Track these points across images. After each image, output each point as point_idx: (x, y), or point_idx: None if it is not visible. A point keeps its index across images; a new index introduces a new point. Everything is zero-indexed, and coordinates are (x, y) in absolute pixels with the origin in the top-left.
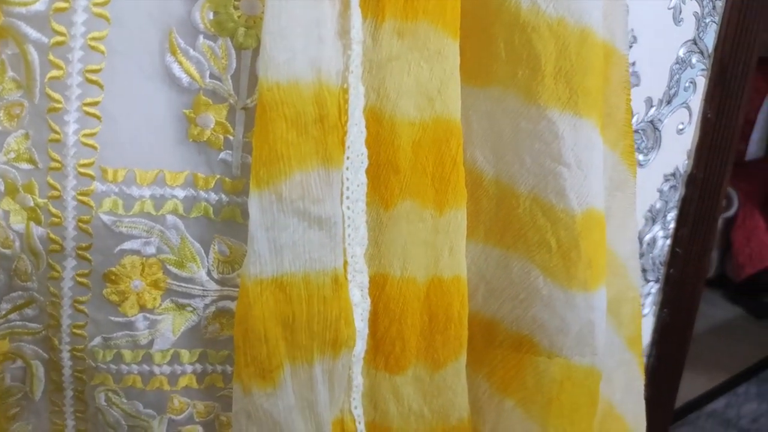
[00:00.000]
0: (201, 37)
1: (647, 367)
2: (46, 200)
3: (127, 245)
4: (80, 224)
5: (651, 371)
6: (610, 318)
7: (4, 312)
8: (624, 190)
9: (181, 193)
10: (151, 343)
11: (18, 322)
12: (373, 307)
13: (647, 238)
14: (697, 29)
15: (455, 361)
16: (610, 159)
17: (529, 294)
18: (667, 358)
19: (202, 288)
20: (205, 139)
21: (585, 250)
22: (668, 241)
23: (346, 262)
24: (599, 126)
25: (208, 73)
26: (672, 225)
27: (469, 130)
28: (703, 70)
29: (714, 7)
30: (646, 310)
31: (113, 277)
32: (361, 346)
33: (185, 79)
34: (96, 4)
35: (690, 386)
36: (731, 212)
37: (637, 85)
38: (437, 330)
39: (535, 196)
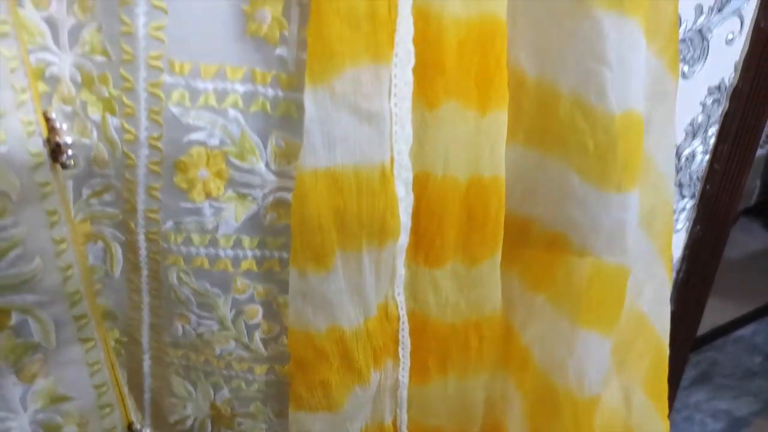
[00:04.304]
0: None
1: (676, 282)
2: (119, 91)
3: (194, 136)
4: (152, 115)
5: (680, 286)
6: (644, 228)
7: (85, 197)
8: (665, 101)
9: (241, 88)
10: (216, 228)
11: (98, 207)
12: (416, 204)
13: (686, 152)
14: None
15: (491, 258)
16: (653, 65)
17: (564, 195)
18: (697, 274)
19: (261, 179)
20: (262, 35)
21: (621, 151)
22: (707, 157)
23: (392, 159)
24: (644, 28)
25: None
26: (712, 140)
27: (513, 30)
28: None
29: None
30: (679, 226)
31: (182, 166)
32: (404, 238)
33: None
34: None
35: (719, 313)
36: None
37: None
38: (475, 228)
39: (576, 97)
